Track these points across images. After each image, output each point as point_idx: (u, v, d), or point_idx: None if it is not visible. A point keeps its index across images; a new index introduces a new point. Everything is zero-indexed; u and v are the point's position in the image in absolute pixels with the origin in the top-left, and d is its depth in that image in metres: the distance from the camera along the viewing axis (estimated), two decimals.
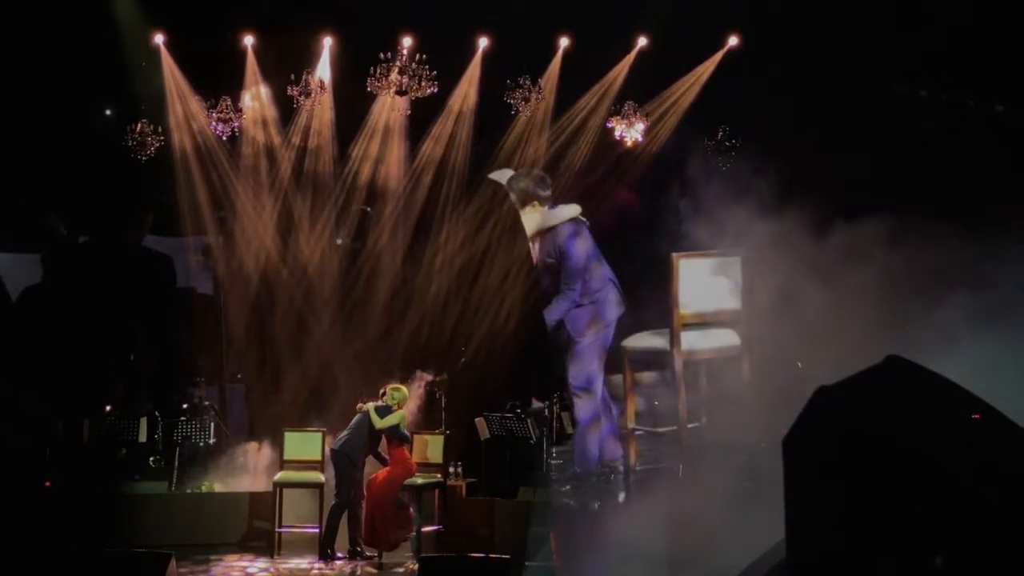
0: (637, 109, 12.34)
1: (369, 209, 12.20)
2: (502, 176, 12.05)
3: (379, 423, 9.78)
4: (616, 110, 12.39)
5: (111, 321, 10.61)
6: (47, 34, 12.00)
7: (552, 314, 11.61)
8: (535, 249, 11.83)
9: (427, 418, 10.64)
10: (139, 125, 11.58)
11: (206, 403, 11.10)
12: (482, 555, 9.03)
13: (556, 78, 12.58)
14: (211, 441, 10.68)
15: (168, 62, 11.89)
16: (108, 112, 12.61)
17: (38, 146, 12.06)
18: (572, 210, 11.84)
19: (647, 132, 12.41)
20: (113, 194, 11.18)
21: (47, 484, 10.02)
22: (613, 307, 11.78)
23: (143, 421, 10.42)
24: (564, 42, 12.61)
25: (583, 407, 11.67)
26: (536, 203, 11.80)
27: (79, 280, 10.82)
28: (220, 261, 11.60)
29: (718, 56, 12.67)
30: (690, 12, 12.59)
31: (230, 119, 11.69)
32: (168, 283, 11.03)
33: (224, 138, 11.81)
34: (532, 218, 11.81)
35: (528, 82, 12.19)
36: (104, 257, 10.93)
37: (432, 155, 12.40)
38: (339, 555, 9.74)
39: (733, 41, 12.66)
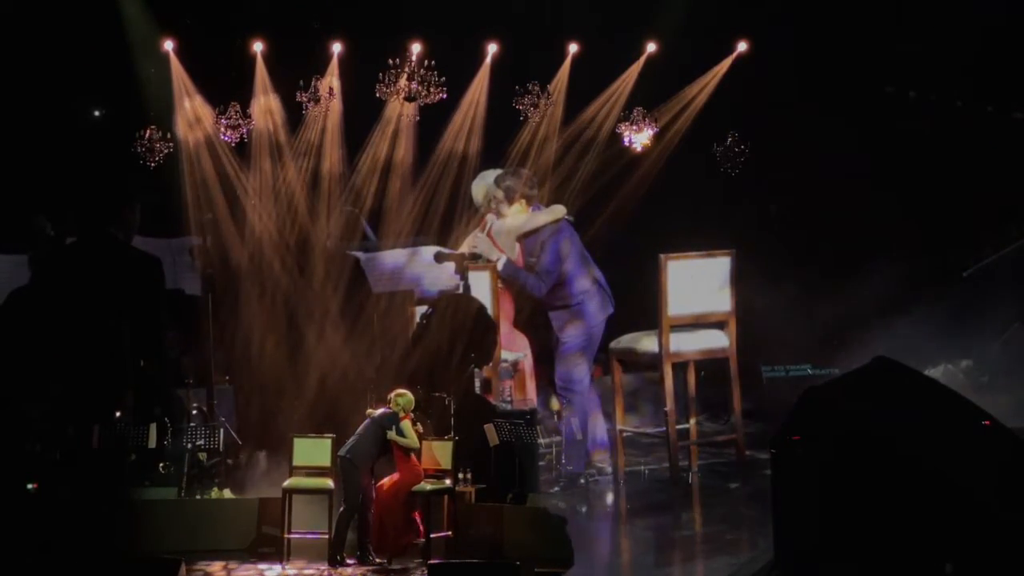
0: (646, 115, 12.37)
1: (356, 210, 12.22)
2: (486, 179, 12.06)
3: (393, 437, 9.77)
4: (625, 116, 12.41)
5: (101, 323, 10.59)
6: (45, 36, 12.09)
7: (515, 273, 11.62)
8: (520, 249, 11.85)
9: (436, 424, 10.61)
10: (148, 132, 11.63)
11: (194, 405, 11.10)
12: (491, 561, 9.02)
13: (565, 84, 12.62)
14: (216, 448, 10.67)
15: (177, 68, 11.93)
16: (96, 113, 12.68)
17: (25, 146, 12.14)
18: (558, 210, 11.88)
19: (656, 137, 12.44)
20: (100, 195, 11.19)
21: (32, 486, 10.01)
22: (600, 308, 11.82)
23: (152, 427, 10.41)
24: (573, 48, 12.63)
25: (570, 408, 11.69)
26: (523, 201, 11.85)
27: (67, 281, 10.80)
28: (209, 262, 11.59)
29: (728, 62, 12.71)
30: (700, 18, 12.67)
31: (239, 125, 11.73)
32: (157, 284, 11.01)
33: (233, 144, 11.85)
34: (517, 218, 11.84)
35: (537, 88, 12.22)
36: (92, 258, 10.91)
37: (441, 160, 12.43)
38: (348, 561, 9.74)
39: (742, 47, 12.70)
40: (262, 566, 9.78)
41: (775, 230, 14.16)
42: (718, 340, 11.84)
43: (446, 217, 12.43)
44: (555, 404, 12.16)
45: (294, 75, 11.87)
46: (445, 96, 11.93)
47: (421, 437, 9.94)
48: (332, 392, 11.28)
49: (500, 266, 11.64)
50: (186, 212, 11.91)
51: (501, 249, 11.79)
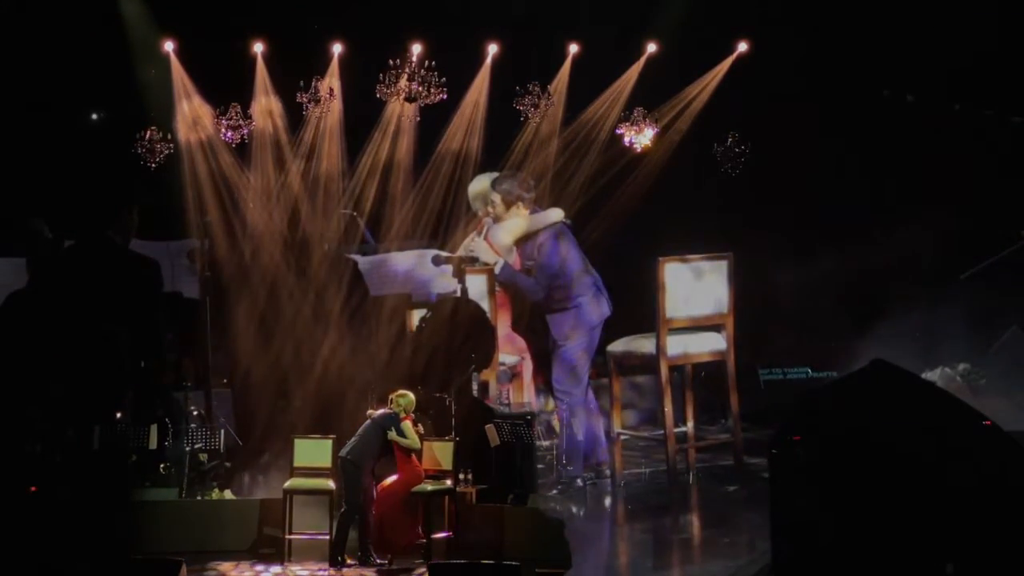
0: (646, 115, 12.38)
1: (355, 213, 12.23)
2: (483, 182, 12.05)
3: (394, 437, 9.78)
4: (625, 116, 12.42)
5: (100, 326, 10.60)
6: (45, 38, 12.10)
7: (512, 277, 11.61)
8: (517, 253, 11.85)
9: (437, 424, 10.64)
10: (148, 133, 11.64)
11: (192, 408, 11.12)
12: (492, 562, 9.04)
13: (566, 84, 12.64)
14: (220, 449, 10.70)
15: (177, 70, 11.94)
16: (95, 116, 12.70)
17: (24, 149, 12.14)
18: (556, 214, 11.88)
19: (655, 138, 12.46)
20: (98, 198, 11.20)
21: (32, 489, 10.03)
22: (597, 311, 11.83)
23: (153, 428, 10.43)
24: (573, 48, 12.65)
25: (567, 411, 11.70)
26: (520, 205, 11.84)
27: (65, 284, 10.81)
28: (208, 265, 11.60)
29: (728, 62, 12.74)
30: (700, 18, 12.70)
31: (239, 126, 11.74)
32: (155, 287, 11.03)
33: (234, 145, 11.87)
34: (516, 222, 11.83)
35: (537, 88, 12.23)
36: (90, 261, 10.92)
37: (440, 161, 12.45)
38: (349, 562, 9.75)
39: (743, 47, 12.72)
40: (263, 567, 9.79)
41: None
42: (716, 343, 11.86)
43: (445, 219, 12.44)
44: (553, 406, 12.16)
45: (294, 76, 11.88)
46: (445, 97, 11.94)
47: (422, 438, 9.97)
48: (332, 393, 11.30)
49: (497, 270, 11.65)
50: (185, 214, 11.93)
51: (498, 252, 11.79)
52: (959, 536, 7.63)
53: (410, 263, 11.81)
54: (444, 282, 11.57)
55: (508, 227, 11.88)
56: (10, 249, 12.01)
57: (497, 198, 11.88)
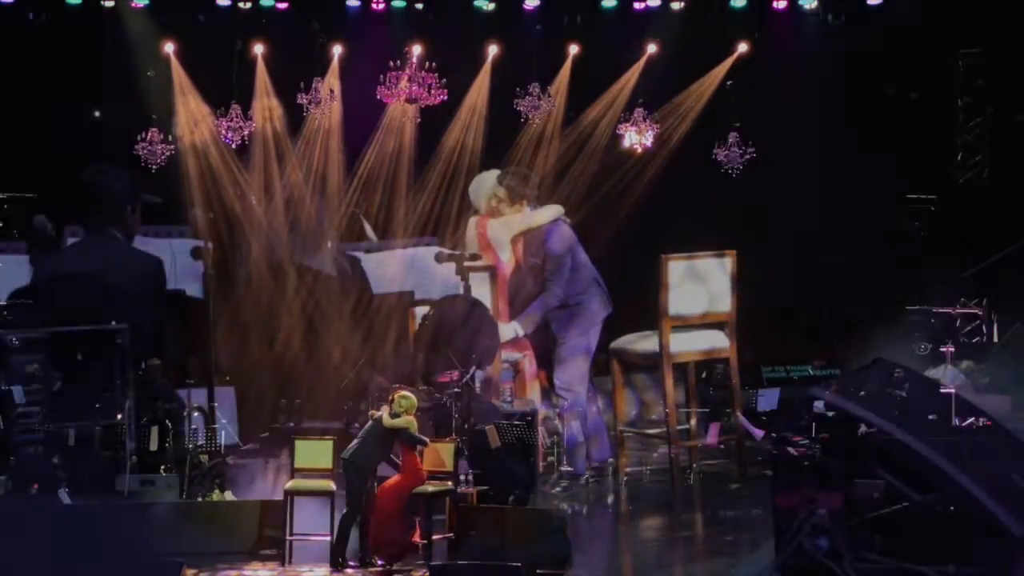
0: (647, 116, 12.38)
1: (358, 211, 12.23)
2: (484, 181, 12.01)
3: (388, 422, 9.77)
4: (626, 117, 12.42)
5: (102, 323, 10.60)
6: (50, 38, 12.13)
7: (533, 309, 11.58)
8: (518, 250, 11.82)
9: (437, 425, 10.65)
10: (149, 134, 11.66)
11: (196, 405, 11.11)
12: (493, 563, 9.03)
13: (566, 85, 12.65)
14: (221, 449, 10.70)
15: (178, 71, 11.97)
16: (97, 113, 12.72)
17: (27, 146, 12.17)
18: (556, 210, 11.86)
19: (657, 138, 12.47)
20: (102, 195, 11.21)
21: (35, 486, 10.02)
22: (598, 308, 11.80)
23: (154, 429, 10.43)
24: (574, 49, 12.66)
25: (570, 409, 11.69)
26: (523, 201, 11.81)
27: (68, 281, 10.81)
28: (210, 263, 11.60)
29: (728, 62, 12.75)
30: (701, 19, 12.71)
31: (240, 127, 11.77)
32: (158, 284, 11.03)
33: (234, 146, 11.90)
34: (517, 218, 11.80)
35: (537, 89, 12.23)
36: (93, 258, 10.92)
37: (441, 161, 12.46)
38: (351, 563, 9.74)
39: (743, 48, 12.74)
40: (264, 569, 9.78)
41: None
42: (719, 340, 11.84)
43: (446, 218, 12.45)
44: (555, 405, 12.15)
45: (295, 77, 11.90)
46: (446, 97, 11.95)
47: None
48: (333, 393, 11.29)
49: (522, 332, 11.60)
50: (188, 213, 11.94)
51: (492, 245, 11.72)
52: (961, 535, 7.63)
53: (404, 260, 11.79)
54: (441, 279, 11.55)
55: (508, 221, 11.81)
56: (13, 246, 12.02)
57: (502, 192, 11.81)
